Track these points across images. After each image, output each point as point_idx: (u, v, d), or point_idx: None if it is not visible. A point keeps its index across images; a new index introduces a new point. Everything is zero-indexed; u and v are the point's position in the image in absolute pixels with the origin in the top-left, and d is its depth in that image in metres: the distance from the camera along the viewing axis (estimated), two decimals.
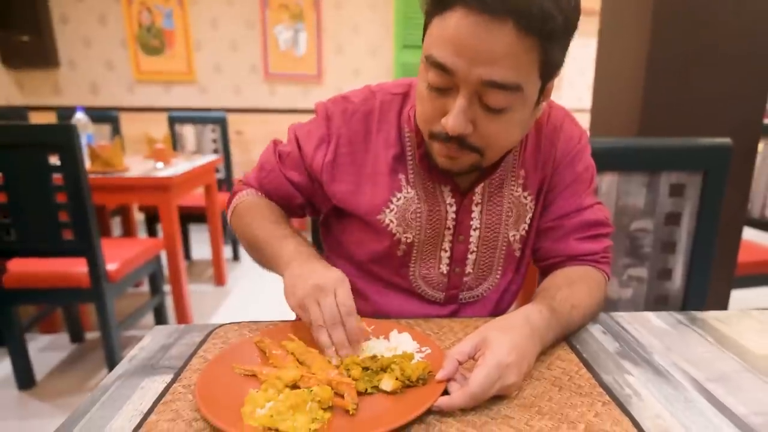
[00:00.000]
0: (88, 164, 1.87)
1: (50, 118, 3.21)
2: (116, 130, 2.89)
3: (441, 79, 0.51)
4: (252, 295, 2.45)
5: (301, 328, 0.57)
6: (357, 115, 0.66)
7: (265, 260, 0.65)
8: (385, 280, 0.70)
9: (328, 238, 0.76)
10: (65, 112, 2.72)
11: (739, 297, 1.59)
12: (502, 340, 0.46)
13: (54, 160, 1.37)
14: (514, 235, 0.68)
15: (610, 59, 1.43)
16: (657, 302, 1.01)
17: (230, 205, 0.74)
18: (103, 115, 2.88)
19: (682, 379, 0.50)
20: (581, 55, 4.09)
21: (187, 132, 2.91)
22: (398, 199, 0.65)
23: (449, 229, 0.66)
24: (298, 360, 0.50)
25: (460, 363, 0.46)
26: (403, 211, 0.65)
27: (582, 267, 0.66)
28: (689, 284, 0.98)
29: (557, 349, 0.55)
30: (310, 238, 0.83)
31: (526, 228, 0.69)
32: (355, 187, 0.66)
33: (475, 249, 0.68)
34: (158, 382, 0.49)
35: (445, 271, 0.69)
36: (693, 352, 0.56)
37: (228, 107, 3.66)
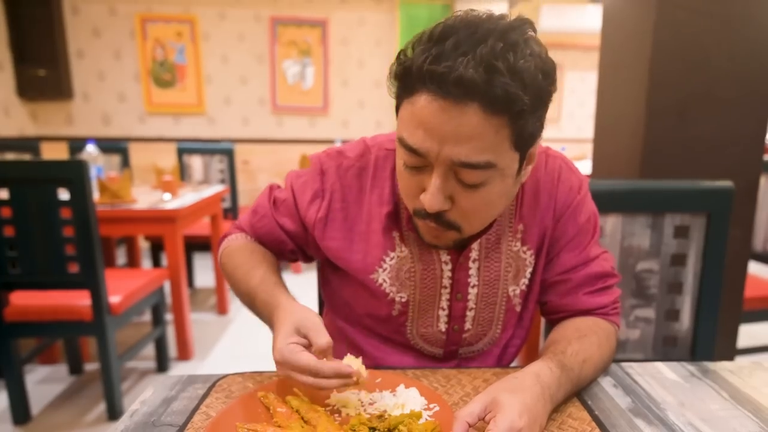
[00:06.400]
0: (96, 196, 1.89)
1: (62, 149, 3.27)
2: (126, 161, 2.94)
3: (414, 159, 0.52)
4: (254, 324, 2.40)
5: None
6: (351, 171, 0.65)
7: (255, 308, 0.64)
8: (381, 335, 0.69)
9: (326, 290, 0.75)
10: (77, 144, 2.78)
11: (747, 332, 1.57)
12: (513, 402, 0.45)
13: (63, 192, 1.39)
14: (514, 290, 0.67)
15: (610, 100, 1.46)
16: (665, 343, 0.99)
17: (220, 247, 0.74)
18: (113, 146, 2.94)
19: None
20: (580, 89, 4.24)
21: (195, 162, 2.96)
22: (391, 258, 0.64)
23: (446, 287, 0.65)
24: (303, 418, 0.49)
25: (470, 425, 0.45)
26: (396, 271, 0.64)
27: (591, 318, 0.65)
28: (698, 325, 0.97)
29: (568, 406, 0.54)
30: (316, 284, 0.81)
31: (527, 282, 0.67)
32: (347, 244, 0.65)
33: (473, 306, 0.66)
34: None
35: (443, 329, 0.67)
36: (707, 409, 0.54)
37: (236, 138, 3.74)
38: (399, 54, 0.51)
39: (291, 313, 0.55)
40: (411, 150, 0.51)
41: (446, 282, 0.64)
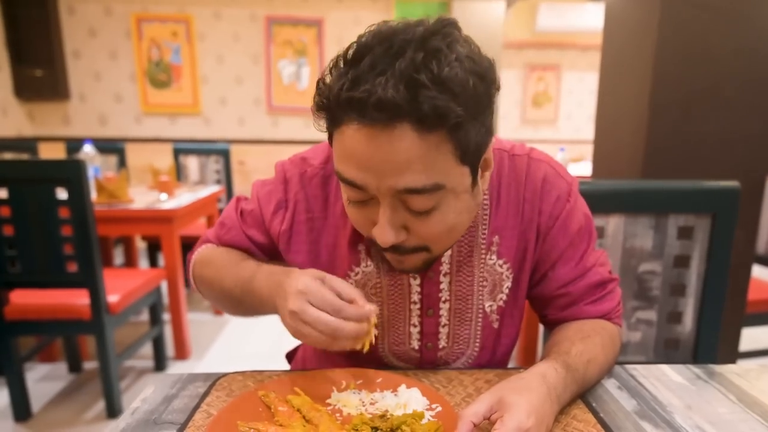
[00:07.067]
0: (94, 196, 1.89)
1: (59, 149, 3.26)
2: (122, 161, 2.93)
3: (357, 194, 0.48)
4: (250, 324, 2.41)
5: (308, 379, 0.56)
6: (316, 179, 0.61)
7: (255, 286, 0.57)
8: (356, 352, 0.66)
9: None
10: (74, 144, 2.77)
11: (748, 335, 1.56)
12: (521, 402, 0.44)
13: (61, 192, 1.39)
14: (490, 306, 0.63)
15: (612, 97, 1.45)
16: (667, 346, 0.98)
17: (191, 263, 0.69)
18: (110, 147, 2.94)
19: None
20: (578, 89, 4.16)
21: (191, 163, 2.95)
22: (356, 274, 0.61)
23: (415, 303, 0.62)
24: (304, 417, 0.49)
25: (475, 425, 0.44)
26: (362, 286, 0.61)
27: (594, 319, 0.64)
28: (700, 328, 0.96)
29: (573, 408, 0.53)
30: None
31: (504, 298, 0.63)
32: (313, 257, 0.62)
33: (446, 322, 0.63)
34: None
35: (416, 347, 0.64)
36: (715, 412, 0.53)
37: (231, 138, 3.73)
38: (318, 83, 0.47)
39: (309, 271, 0.51)
40: (349, 183, 0.47)
41: (415, 297, 0.61)
